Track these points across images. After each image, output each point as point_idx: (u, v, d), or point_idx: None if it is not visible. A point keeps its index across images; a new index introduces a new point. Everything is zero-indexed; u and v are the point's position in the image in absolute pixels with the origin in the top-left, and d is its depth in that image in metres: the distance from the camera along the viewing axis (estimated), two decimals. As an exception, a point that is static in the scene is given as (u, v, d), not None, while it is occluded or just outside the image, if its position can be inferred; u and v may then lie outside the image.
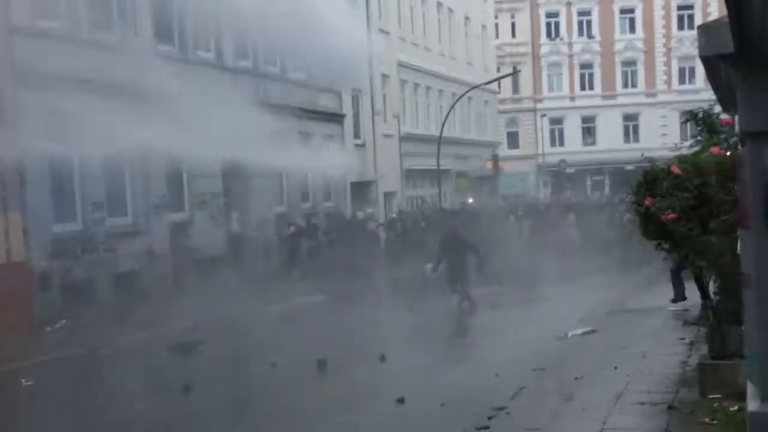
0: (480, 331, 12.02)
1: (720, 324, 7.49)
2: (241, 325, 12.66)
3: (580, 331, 11.65)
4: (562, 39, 49.57)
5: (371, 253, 19.01)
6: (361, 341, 11.23)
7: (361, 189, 26.20)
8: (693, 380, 7.82)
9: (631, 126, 49.39)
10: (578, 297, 15.24)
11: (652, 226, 7.59)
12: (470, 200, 32.63)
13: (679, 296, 12.87)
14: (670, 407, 7.21)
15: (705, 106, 8.18)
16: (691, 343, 10.12)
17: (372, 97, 27.02)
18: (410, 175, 30.79)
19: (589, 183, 46.86)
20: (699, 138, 8.00)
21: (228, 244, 18.50)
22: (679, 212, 7.27)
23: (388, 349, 10.52)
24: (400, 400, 8.21)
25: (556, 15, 49.17)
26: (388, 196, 28.76)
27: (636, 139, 48.16)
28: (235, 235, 18.91)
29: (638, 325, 12.18)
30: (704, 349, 8.10)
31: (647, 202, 7.48)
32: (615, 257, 20.45)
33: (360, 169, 24.56)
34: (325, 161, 19.40)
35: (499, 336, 11.63)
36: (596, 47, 49.49)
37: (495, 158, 38.39)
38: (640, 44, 49.33)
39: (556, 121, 48.94)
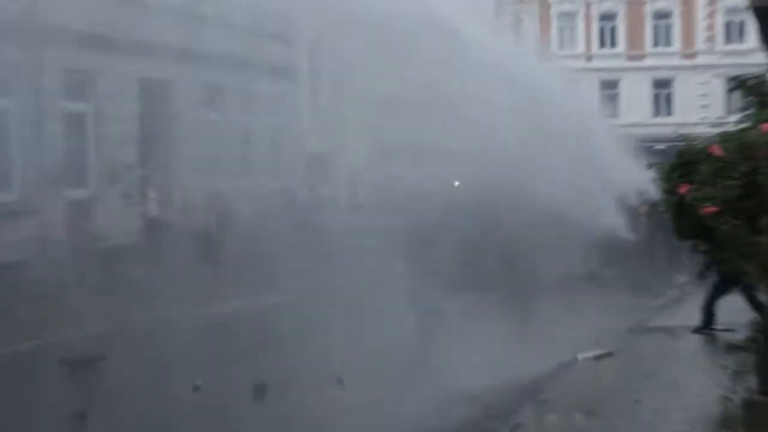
0: (465, 352, 11.99)
1: (772, 350, 7.64)
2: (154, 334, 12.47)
3: (592, 353, 11.70)
4: (578, -18, 49.74)
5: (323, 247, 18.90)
6: (304, 356, 11.15)
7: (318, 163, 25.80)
8: (737, 420, 7.83)
9: (662, 94, 49.78)
10: (591, 309, 15.21)
11: (686, 221, 7.71)
12: (456, 183, 32.24)
13: (705, 325, 12.93)
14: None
15: (756, 71, 8.28)
16: (736, 373, 9.58)
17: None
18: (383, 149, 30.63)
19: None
20: (748, 111, 8.02)
21: (143, 231, 18.29)
22: (721, 205, 7.36)
23: (337, 369, 10.43)
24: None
25: (571, -48, 49.45)
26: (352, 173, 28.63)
27: (668, 111, 48.53)
28: (153, 220, 18.70)
29: (667, 347, 12.24)
30: (752, 380, 8.20)
31: (681, 190, 7.59)
32: (639, 259, 20.44)
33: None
34: None
35: (490, 358, 11.64)
36: (621, -6, 49.74)
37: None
38: (676, -9, 49.66)
39: (569, 86, 49.12)
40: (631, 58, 49.89)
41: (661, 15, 49.93)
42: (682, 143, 7.87)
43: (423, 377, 10.78)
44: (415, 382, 10.56)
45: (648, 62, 49.68)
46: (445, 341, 12.19)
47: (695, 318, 13.44)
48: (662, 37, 50.04)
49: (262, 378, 10.04)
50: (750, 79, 8.04)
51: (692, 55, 49.47)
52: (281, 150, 22.22)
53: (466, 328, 12.60)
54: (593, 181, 15.94)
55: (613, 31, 50.12)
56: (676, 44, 49.80)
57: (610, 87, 49.38)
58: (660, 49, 49.87)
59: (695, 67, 48.93)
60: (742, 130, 7.78)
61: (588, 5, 49.87)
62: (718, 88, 43.15)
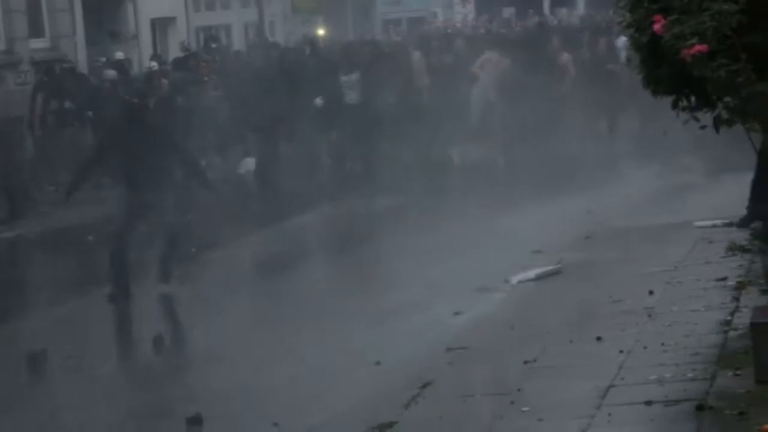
0: (352, 280, 12.12)
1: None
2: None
3: (532, 273, 11.55)
4: None
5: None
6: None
7: (106, 14, 25.63)
8: (741, 355, 7.84)
9: None
10: (530, 207, 15.12)
11: (665, 69, 7.63)
12: (320, 32, 31.91)
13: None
14: (700, 407, 7.12)
15: None
16: (738, 287, 10.02)
17: None
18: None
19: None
20: None
21: None
22: (712, 40, 7.27)
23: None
24: (194, 421, 8.07)
25: None
26: (159, 25, 28.48)
27: None
28: None
29: (641, 256, 12.07)
30: (762, 299, 8.58)
31: (655, 25, 7.46)
32: (599, 128, 20.90)
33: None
34: None
35: (386, 287, 11.70)
36: None
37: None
38: None
39: None
40: None
41: None
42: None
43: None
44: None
45: None
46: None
47: (683, 211, 13.60)
48: None
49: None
50: None
51: None
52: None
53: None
54: None
55: None
56: None
57: None
58: None
59: None
60: None
61: None
62: None
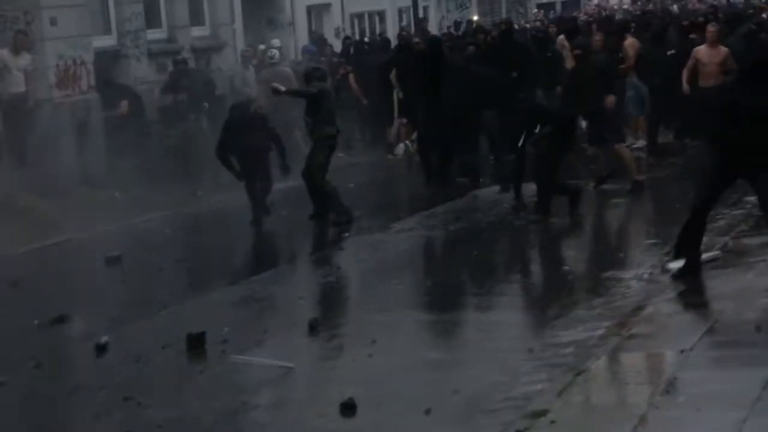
0: (508, 265, 11.60)
1: None
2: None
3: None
4: None
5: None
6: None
7: (264, 2, 25.63)
8: None
9: None
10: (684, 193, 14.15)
11: None
12: (474, 17, 31.51)
13: None
14: None
15: None
16: None
17: None
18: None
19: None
20: None
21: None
22: None
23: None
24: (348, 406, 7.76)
25: None
26: (315, 12, 28.63)
27: None
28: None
29: None
30: None
31: None
32: None
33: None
34: None
35: (540, 275, 11.49)
36: None
37: None
38: None
39: None
40: None
41: None
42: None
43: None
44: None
45: None
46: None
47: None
48: None
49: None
50: None
51: None
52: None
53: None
54: None
55: None
56: None
57: None
58: None
59: None
60: None
61: None
62: None
